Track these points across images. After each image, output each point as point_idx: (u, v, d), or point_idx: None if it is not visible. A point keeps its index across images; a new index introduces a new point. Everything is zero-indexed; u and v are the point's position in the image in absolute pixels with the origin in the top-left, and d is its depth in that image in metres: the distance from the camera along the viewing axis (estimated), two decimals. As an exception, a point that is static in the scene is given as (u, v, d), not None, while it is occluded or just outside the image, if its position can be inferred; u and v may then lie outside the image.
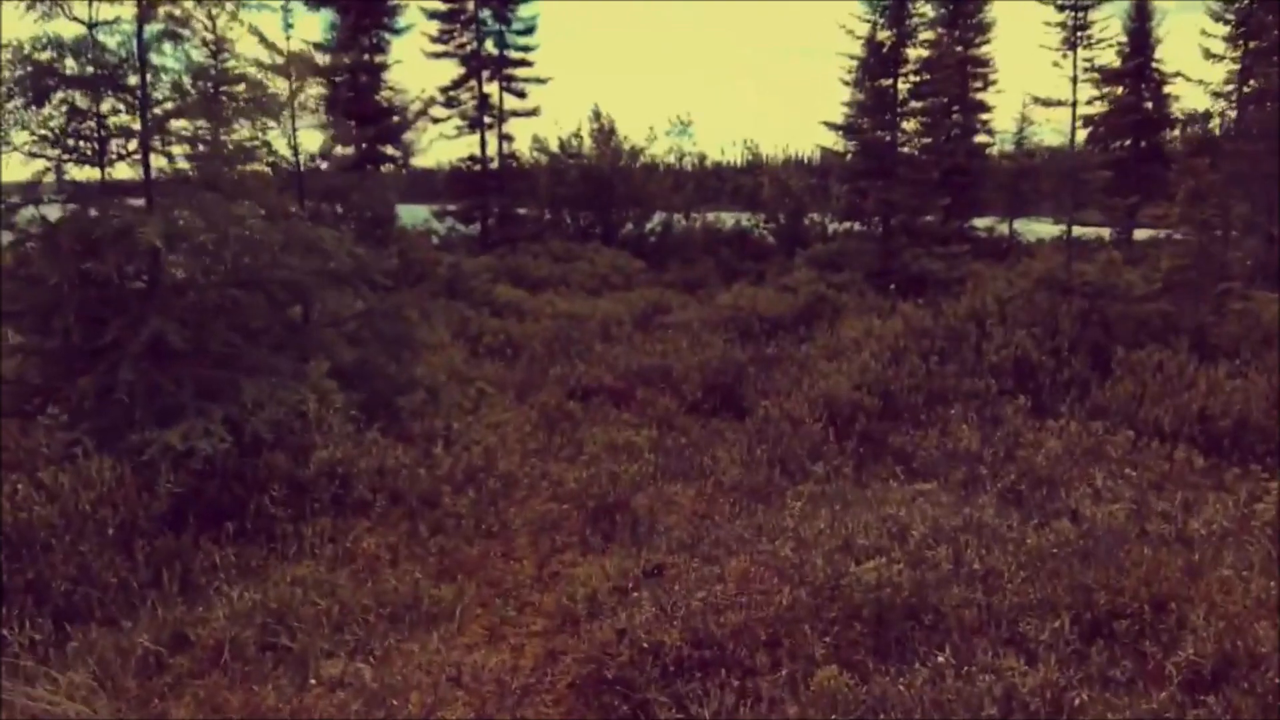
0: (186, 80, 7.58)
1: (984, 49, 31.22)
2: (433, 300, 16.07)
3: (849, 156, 23.11)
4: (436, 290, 17.56)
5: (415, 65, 53.73)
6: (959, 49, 28.97)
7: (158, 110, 7.35)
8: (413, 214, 28.97)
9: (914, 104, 21.37)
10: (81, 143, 7.28)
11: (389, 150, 20.40)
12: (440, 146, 47.04)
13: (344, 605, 6.43)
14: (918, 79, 21.70)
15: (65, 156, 7.30)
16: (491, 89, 28.96)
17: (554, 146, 31.26)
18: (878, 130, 21.40)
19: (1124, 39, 30.55)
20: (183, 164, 7.88)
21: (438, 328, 14.75)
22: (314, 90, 17.02)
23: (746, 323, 15.58)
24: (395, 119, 20.42)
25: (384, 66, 19.64)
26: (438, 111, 27.70)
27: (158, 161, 7.76)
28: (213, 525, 6.76)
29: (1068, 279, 14.72)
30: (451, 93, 28.61)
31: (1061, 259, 15.63)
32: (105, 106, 7.54)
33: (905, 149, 21.91)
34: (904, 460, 10.23)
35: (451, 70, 28.77)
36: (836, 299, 16.24)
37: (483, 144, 28.99)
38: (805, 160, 38.99)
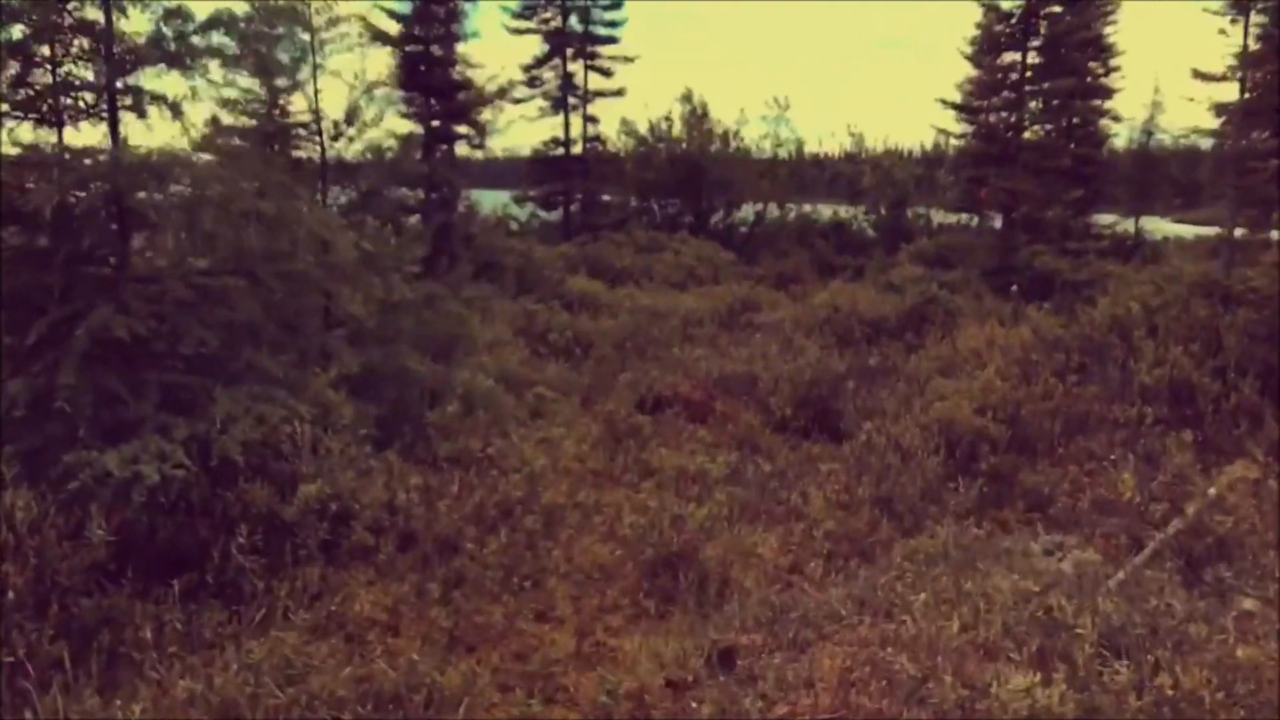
0: (157, 19, 6.10)
1: (1107, 30, 28.49)
2: (496, 293, 14.62)
3: (965, 140, 20.89)
4: (504, 281, 16.11)
5: (496, 42, 52.45)
6: (1087, 29, 26.36)
7: (124, 56, 5.91)
8: (497, 200, 27.79)
9: (1044, 84, 19.01)
10: (28, 92, 5.88)
11: (462, 129, 19.01)
12: (522, 129, 45.48)
13: (314, 695, 4.91)
14: (1040, 59, 19.42)
15: (9, 111, 5.91)
16: (576, 68, 27.49)
17: (642, 130, 29.67)
18: (1001, 111, 19.17)
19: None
20: (162, 132, 6.46)
21: (497, 324, 13.30)
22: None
23: (845, 325, 13.72)
24: (470, 94, 18.99)
25: (458, 37, 18.28)
26: (519, 91, 26.34)
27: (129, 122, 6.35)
28: (161, 580, 5.30)
29: (1228, 285, 12.52)
30: (534, 71, 27.22)
31: (1215, 261, 13.44)
32: (62, 51, 6.11)
33: (1028, 133, 19.59)
34: (1039, 505, 8.37)
35: (534, 47, 27.40)
36: (949, 301, 14.26)
37: (566, 126, 27.54)
38: (907, 152, 36.81)
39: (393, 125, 17.10)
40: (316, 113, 8.30)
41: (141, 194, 5.75)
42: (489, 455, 7.99)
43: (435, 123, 18.25)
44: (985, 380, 10.11)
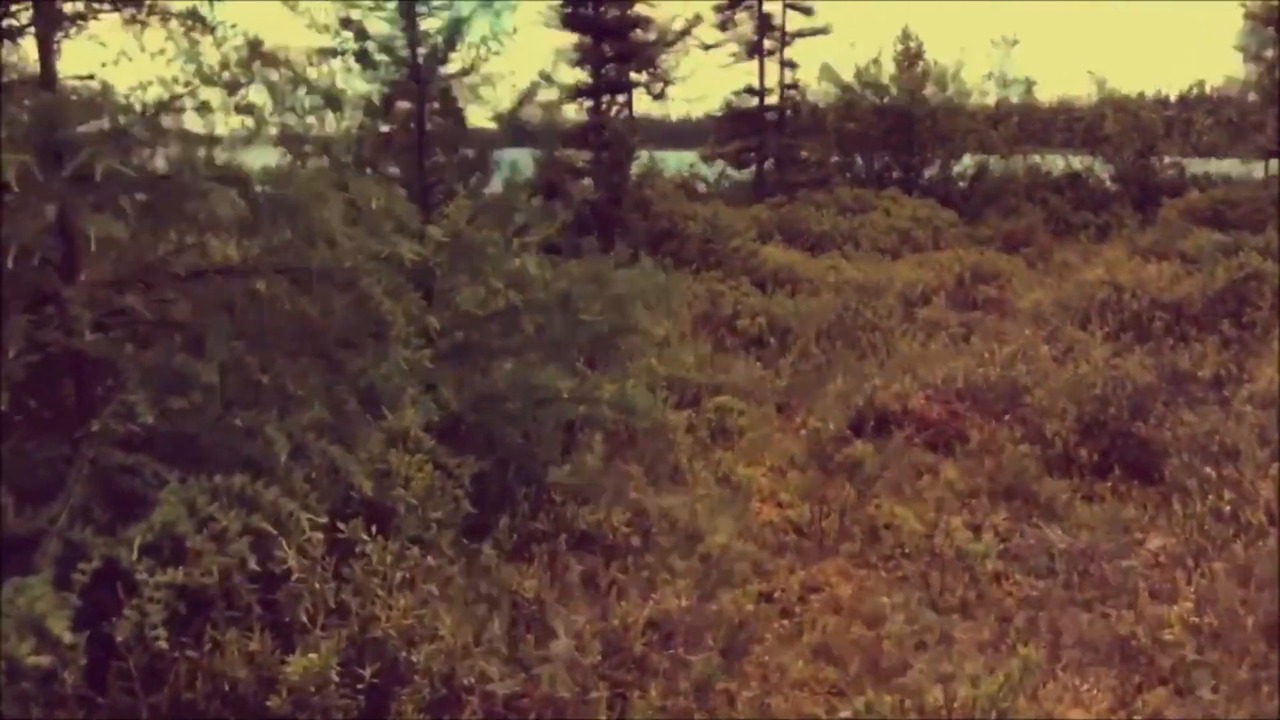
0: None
1: None
2: (673, 269, 12.04)
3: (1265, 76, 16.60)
4: (685, 255, 13.53)
5: None
6: None
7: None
8: (685, 162, 25.41)
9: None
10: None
11: (638, 76, 16.49)
12: (712, 82, 42.33)
13: None
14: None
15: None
16: (774, 8, 24.42)
17: (847, 76, 26.22)
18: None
19: None
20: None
21: (673, 309, 10.72)
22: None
23: (1131, 311, 10.34)
24: (648, 35, 16.44)
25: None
26: (709, 35, 23.52)
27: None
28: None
29: None
30: (726, 13, 24.34)
31: None
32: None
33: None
34: None
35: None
36: (1273, 276, 10.59)
37: (761, 73, 24.59)
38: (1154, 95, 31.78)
39: (559, 74, 14.71)
40: (411, 29, 5.82)
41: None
42: (646, 526, 5.45)
43: (606, 69, 15.77)
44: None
